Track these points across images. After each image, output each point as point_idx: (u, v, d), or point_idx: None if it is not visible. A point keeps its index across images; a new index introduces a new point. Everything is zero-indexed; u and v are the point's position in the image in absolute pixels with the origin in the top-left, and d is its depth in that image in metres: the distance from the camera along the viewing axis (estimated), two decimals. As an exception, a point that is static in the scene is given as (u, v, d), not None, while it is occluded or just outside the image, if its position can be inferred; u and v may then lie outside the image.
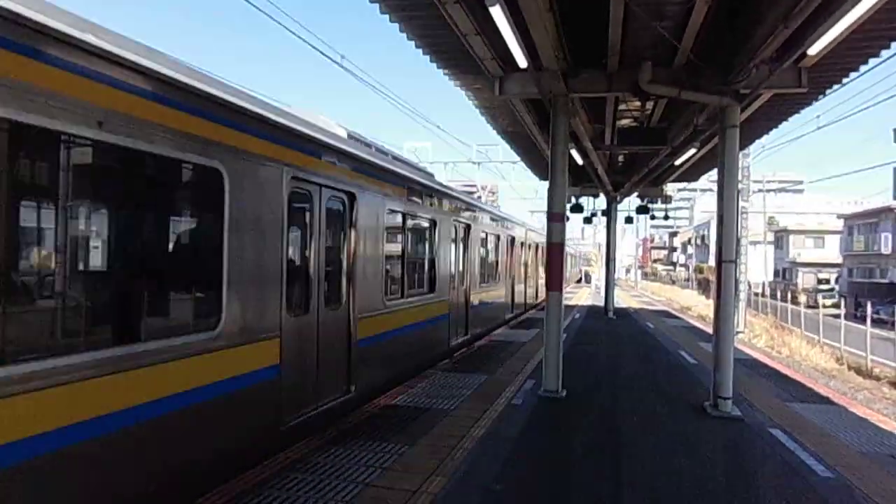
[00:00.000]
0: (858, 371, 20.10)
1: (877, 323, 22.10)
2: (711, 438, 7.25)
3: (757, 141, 17.09)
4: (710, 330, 14.74)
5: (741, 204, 24.79)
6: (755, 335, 25.69)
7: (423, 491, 5.19)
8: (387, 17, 8.20)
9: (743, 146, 16.56)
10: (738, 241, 10.47)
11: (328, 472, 5.51)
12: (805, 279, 53.22)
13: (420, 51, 9.52)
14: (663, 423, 7.85)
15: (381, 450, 6.22)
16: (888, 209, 41.07)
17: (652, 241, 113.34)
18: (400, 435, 6.75)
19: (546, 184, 9.58)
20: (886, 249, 39.77)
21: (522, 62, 8.11)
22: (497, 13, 6.44)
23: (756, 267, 43.54)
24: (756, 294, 38.28)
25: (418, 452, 6.20)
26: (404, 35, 8.85)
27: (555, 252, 9.36)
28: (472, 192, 28.74)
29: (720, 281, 8.63)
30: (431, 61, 10.01)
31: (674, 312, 28.62)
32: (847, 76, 9.79)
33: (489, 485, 5.43)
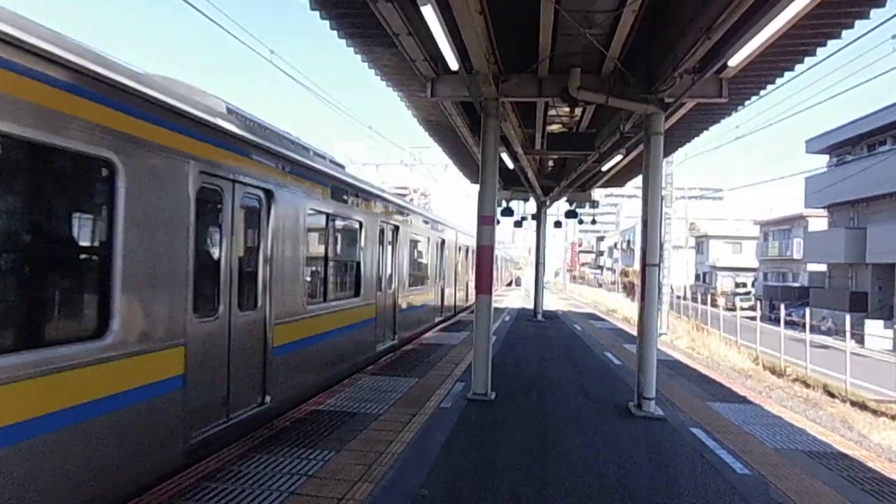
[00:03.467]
0: (773, 370, 21.03)
1: (789, 324, 23.19)
2: (635, 438, 7.40)
3: (680, 149, 17.64)
4: (634, 332, 15.11)
5: (665, 210, 25.59)
6: (677, 337, 26.49)
7: (350, 498, 5.07)
8: (317, 13, 8.06)
9: (667, 153, 17.10)
10: (662, 245, 10.76)
11: (250, 481, 5.31)
12: (724, 283, 55.45)
13: (352, 49, 9.39)
14: (589, 424, 7.97)
15: (306, 456, 6.06)
16: (800, 216, 43.15)
17: (580, 245, 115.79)
18: (326, 440, 6.61)
19: (477, 187, 9.60)
20: (798, 254, 41.73)
21: (454, 64, 8.09)
22: (428, 13, 6.39)
23: (678, 271, 45.05)
24: (678, 297, 39.59)
25: (345, 458, 6.08)
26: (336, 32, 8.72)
27: (484, 255, 9.37)
28: (404, 195, 28.64)
29: (644, 284, 8.84)
30: (363, 61, 9.88)
31: (600, 315, 29.25)
32: (764, 88, 10.22)
33: (417, 490, 5.36)
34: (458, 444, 6.84)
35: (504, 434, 7.38)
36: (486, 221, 9.36)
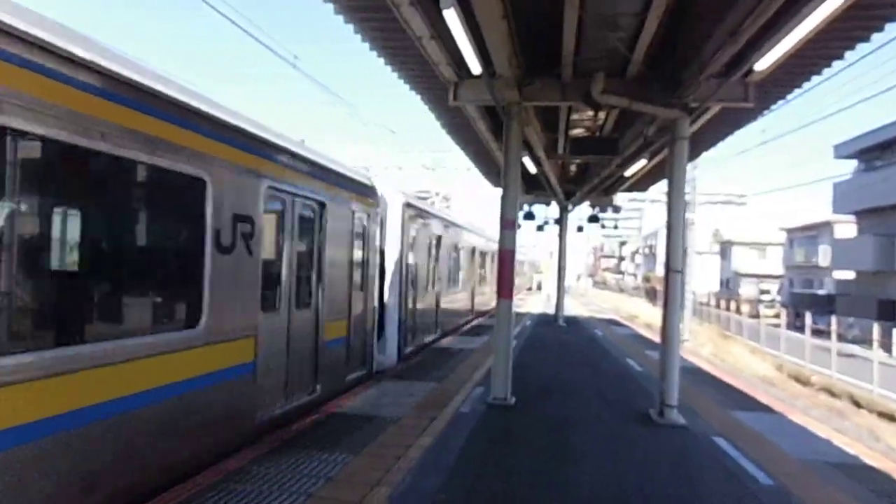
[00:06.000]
0: (797, 379, 20.70)
1: (815, 333, 22.81)
2: (657, 446, 7.31)
3: (704, 153, 17.46)
4: (656, 338, 14.98)
5: (689, 215, 25.32)
6: (700, 343, 26.19)
7: (367, 502, 5.07)
8: (341, 17, 8.08)
9: (691, 158, 16.90)
10: (685, 251, 10.65)
11: (269, 483, 5.33)
12: (748, 289, 54.66)
13: (374, 53, 9.41)
14: (610, 431, 7.89)
15: (324, 459, 6.07)
16: (826, 223, 42.41)
17: (602, 249, 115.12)
18: (345, 444, 6.61)
19: (499, 190, 9.57)
20: (825, 262, 41.03)
21: (476, 68, 8.06)
22: (451, 16, 6.38)
23: (702, 277, 44.58)
24: (702, 303, 39.15)
25: (363, 462, 6.07)
26: (359, 36, 8.73)
27: (506, 259, 9.33)
28: (425, 199, 28.72)
29: (667, 290, 8.74)
30: (386, 64, 9.90)
31: (621, 321, 29.01)
32: (791, 92, 10.04)
33: (434, 495, 5.33)
34: (477, 449, 6.81)
35: (523, 439, 7.34)
36: (507, 226, 9.32)
